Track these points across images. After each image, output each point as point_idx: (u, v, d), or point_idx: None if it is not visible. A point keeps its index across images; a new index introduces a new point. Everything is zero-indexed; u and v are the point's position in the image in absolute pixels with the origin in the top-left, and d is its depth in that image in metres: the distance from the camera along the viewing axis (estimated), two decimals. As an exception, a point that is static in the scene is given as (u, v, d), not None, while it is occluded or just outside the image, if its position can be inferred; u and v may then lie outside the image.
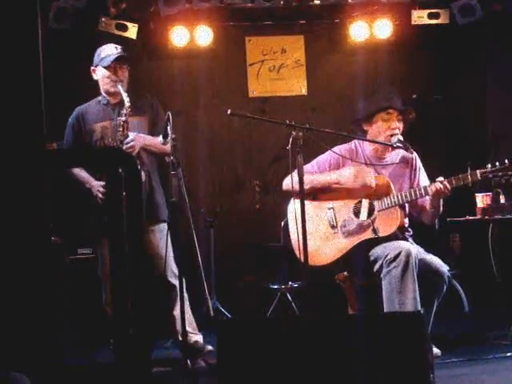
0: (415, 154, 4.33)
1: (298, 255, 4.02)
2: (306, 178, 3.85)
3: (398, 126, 4.23)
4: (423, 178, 4.31)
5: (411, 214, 4.31)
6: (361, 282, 4.25)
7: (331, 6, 6.17)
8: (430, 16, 6.13)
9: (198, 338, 4.31)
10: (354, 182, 4.17)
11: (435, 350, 3.99)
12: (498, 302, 5.18)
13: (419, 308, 3.86)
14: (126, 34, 5.85)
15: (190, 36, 6.16)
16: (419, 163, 4.37)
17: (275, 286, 5.72)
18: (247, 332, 2.95)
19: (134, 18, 5.92)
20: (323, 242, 4.18)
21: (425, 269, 3.96)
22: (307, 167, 4.22)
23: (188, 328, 4.17)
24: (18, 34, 1.94)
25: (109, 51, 4.37)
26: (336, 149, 4.32)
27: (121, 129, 4.21)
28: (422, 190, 4.08)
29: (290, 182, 4.10)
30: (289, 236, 4.30)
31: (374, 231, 4.07)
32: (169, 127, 3.99)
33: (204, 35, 6.18)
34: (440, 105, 6.44)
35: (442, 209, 4.18)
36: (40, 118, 2.04)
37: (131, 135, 4.20)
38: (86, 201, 4.34)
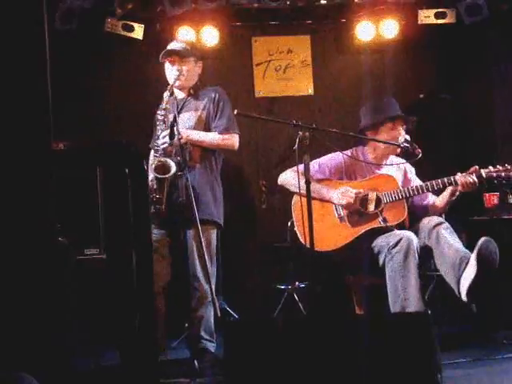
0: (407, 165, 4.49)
1: (302, 240, 4.15)
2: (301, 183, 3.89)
3: (402, 134, 4.31)
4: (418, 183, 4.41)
5: (416, 212, 4.36)
6: (368, 282, 4.27)
7: (337, 6, 6.16)
8: (437, 15, 6.11)
9: (210, 345, 4.25)
10: (342, 202, 4.25)
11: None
12: (505, 302, 5.16)
13: (422, 293, 3.93)
14: (133, 35, 5.85)
15: (196, 36, 6.14)
16: (413, 172, 4.54)
17: (282, 287, 5.71)
18: (254, 333, 2.95)
19: (140, 18, 5.92)
20: (329, 230, 4.24)
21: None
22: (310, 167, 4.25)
23: (202, 332, 4.16)
24: (25, 35, 1.94)
25: (169, 46, 4.42)
26: (342, 152, 4.37)
27: (158, 123, 4.22)
28: (425, 187, 4.19)
29: (287, 178, 4.20)
30: (294, 229, 4.36)
31: (383, 220, 4.14)
32: (175, 128, 3.99)
33: (210, 35, 6.17)
34: (446, 104, 6.42)
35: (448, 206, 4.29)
36: (47, 118, 2.04)
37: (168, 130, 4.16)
38: (92, 200, 4.34)
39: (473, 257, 3.81)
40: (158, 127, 4.22)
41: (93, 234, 4.60)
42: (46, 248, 1.99)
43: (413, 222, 4.28)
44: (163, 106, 4.19)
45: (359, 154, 4.47)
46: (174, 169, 4.06)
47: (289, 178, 4.34)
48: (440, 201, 4.35)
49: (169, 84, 4.32)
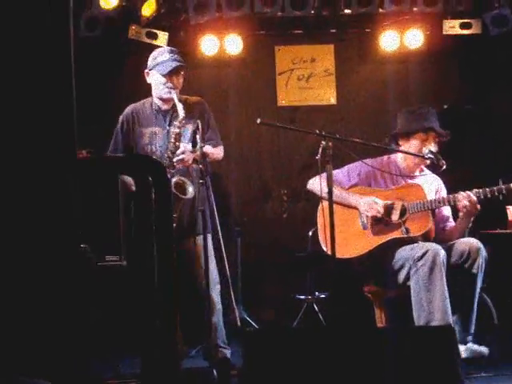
0: (440, 182, 4.44)
1: (324, 247, 4.17)
2: (335, 190, 3.88)
3: (433, 147, 4.24)
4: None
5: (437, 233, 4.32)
6: (390, 295, 4.23)
7: (362, 16, 6.13)
8: (462, 26, 6.06)
9: (227, 352, 4.27)
10: (368, 213, 4.20)
11: (482, 349, 4.00)
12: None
13: (448, 307, 3.88)
14: (156, 42, 5.87)
15: (219, 45, 6.15)
16: (444, 191, 4.44)
17: (302, 297, 5.68)
18: (273, 343, 2.93)
19: (165, 26, 5.94)
20: (352, 237, 4.22)
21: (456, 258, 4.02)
22: (337, 173, 4.24)
23: (218, 341, 4.16)
24: (50, 43, 1.94)
25: (166, 57, 4.29)
26: (367, 161, 4.32)
27: (173, 140, 4.15)
28: (452, 197, 4.13)
29: (315, 184, 4.18)
30: (317, 236, 4.35)
31: (405, 230, 4.10)
32: (198, 136, 3.98)
33: (234, 44, 6.17)
34: (471, 115, 6.37)
35: (469, 225, 4.22)
36: (71, 126, 2.03)
37: (182, 147, 4.14)
38: (114, 207, 4.34)
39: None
40: (170, 143, 4.17)
41: (113, 241, 4.61)
42: (68, 256, 1.98)
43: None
44: (179, 123, 4.15)
45: (390, 163, 4.40)
46: (190, 192, 4.08)
47: (317, 185, 4.28)
48: (458, 226, 4.29)
49: (158, 93, 4.31)
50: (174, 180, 4.10)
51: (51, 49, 1.96)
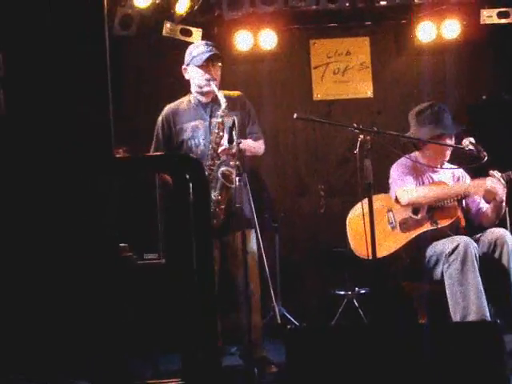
0: (462, 171, 4.44)
1: (353, 248, 4.24)
2: (426, 190, 4.06)
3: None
4: None
5: (470, 219, 4.28)
6: (429, 290, 4.18)
7: (397, 7, 6.05)
8: (500, 15, 5.96)
9: (264, 351, 4.26)
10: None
11: None
12: None
13: (483, 299, 3.83)
14: (191, 39, 5.86)
15: (253, 40, 6.13)
16: (468, 177, 4.43)
17: (341, 292, 5.63)
18: (315, 341, 2.90)
19: (198, 22, 5.93)
20: (381, 238, 4.15)
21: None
22: (402, 180, 4.27)
23: (257, 340, 4.14)
24: (84, 41, 1.93)
25: (201, 49, 4.30)
26: (400, 161, 4.38)
27: (216, 130, 4.13)
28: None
29: (410, 195, 4.17)
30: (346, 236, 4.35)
31: (434, 223, 4.11)
32: (234, 132, 3.96)
33: (268, 39, 6.14)
34: (510, 105, 6.25)
35: (503, 210, 4.17)
36: (108, 125, 2.03)
37: (225, 137, 4.10)
38: (152, 205, 4.35)
39: None
40: (213, 135, 4.15)
41: (152, 239, 4.62)
42: (106, 256, 1.98)
43: (472, 230, 4.22)
44: (221, 112, 4.13)
45: (414, 161, 4.38)
46: (236, 181, 4.03)
47: (415, 194, 4.21)
48: (490, 208, 4.25)
49: (197, 87, 4.31)
50: (221, 170, 4.08)
51: (86, 48, 1.95)
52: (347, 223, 4.37)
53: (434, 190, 4.20)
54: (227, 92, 4.33)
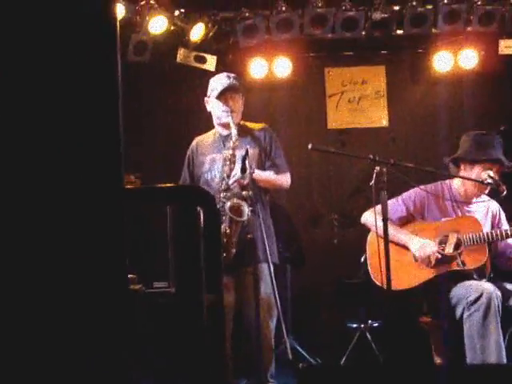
0: (498, 206, 4.27)
1: (373, 277, 4.07)
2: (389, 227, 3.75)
3: (493, 172, 4.07)
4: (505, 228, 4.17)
5: (498, 263, 4.15)
6: (445, 327, 4.07)
7: (414, 36, 5.99)
8: (518, 45, 5.90)
9: None
10: (419, 254, 4.05)
11: None
12: None
13: (503, 354, 3.70)
14: (205, 66, 5.82)
15: (268, 68, 6.09)
16: (503, 215, 4.27)
17: (354, 325, 5.52)
18: (327, 379, 2.81)
19: (213, 49, 5.89)
20: (404, 269, 4.06)
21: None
22: (392, 203, 4.09)
23: (268, 375, 4.06)
24: (97, 68, 1.87)
25: (221, 81, 4.26)
26: (422, 187, 4.17)
27: (228, 162, 4.07)
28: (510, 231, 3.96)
29: (369, 218, 4.04)
30: (366, 267, 4.21)
31: (461, 263, 3.94)
32: (247, 161, 3.90)
33: (283, 67, 6.10)
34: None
35: None
36: (118, 153, 1.96)
37: (237, 168, 4.03)
38: (161, 233, 4.28)
39: None
40: (225, 167, 4.09)
41: (162, 267, 4.55)
42: (116, 289, 1.90)
43: (496, 275, 4.08)
44: (232, 144, 4.06)
45: (445, 189, 4.24)
46: (246, 214, 3.93)
47: (371, 219, 4.08)
48: None
49: (217, 119, 4.29)
50: (228, 204, 4.00)
51: (98, 73, 1.89)
52: (367, 244, 4.23)
53: (380, 227, 3.77)
54: (250, 124, 4.31)
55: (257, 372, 4.08)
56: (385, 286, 3.54)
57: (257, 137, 4.25)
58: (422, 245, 4.03)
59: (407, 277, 4.03)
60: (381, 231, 3.66)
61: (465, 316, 3.78)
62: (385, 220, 3.43)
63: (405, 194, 4.23)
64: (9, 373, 1.69)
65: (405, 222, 4.22)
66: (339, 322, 5.71)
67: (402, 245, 4.11)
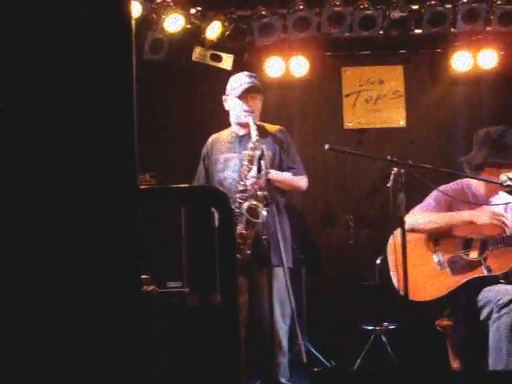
0: None
1: (397, 287, 3.86)
2: (433, 217, 3.68)
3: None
4: None
5: None
6: (463, 331, 3.98)
7: (433, 36, 5.92)
8: (538, 45, 5.83)
9: None
10: (491, 221, 3.90)
11: None
12: None
13: None
14: (221, 65, 5.80)
15: (285, 67, 6.06)
16: None
17: (369, 327, 5.46)
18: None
19: (229, 48, 5.86)
20: (428, 279, 3.93)
21: None
22: (425, 206, 4.00)
23: (282, 379, 4.01)
24: (112, 66, 1.84)
25: (242, 80, 4.23)
26: (443, 188, 4.07)
27: (246, 163, 4.03)
28: None
29: (411, 220, 3.83)
30: (388, 272, 4.08)
31: (487, 269, 3.82)
32: (262, 161, 3.86)
33: (299, 66, 6.06)
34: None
35: None
36: (133, 152, 1.92)
37: (254, 169, 3.98)
38: (175, 232, 4.26)
39: None
40: (243, 167, 4.05)
41: (176, 267, 4.52)
42: (129, 291, 1.86)
43: None
44: (252, 145, 4.02)
45: (465, 188, 4.13)
46: (263, 216, 3.88)
47: (414, 219, 3.95)
48: None
49: (235, 118, 4.25)
50: (246, 204, 3.96)
51: (113, 71, 1.86)
52: (389, 252, 4.03)
53: (434, 217, 3.92)
54: (267, 125, 4.27)
55: (270, 373, 4.04)
56: (410, 297, 3.45)
57: (274, 139, 4.21)
58: (486, 212, 3.91)
59: (432, 287, 3.89)
60: (427, 222, 3.83)
61: (493, 317, 3.66)
62: (401, 222, 3.37)
63: (433, 195, 4.10)
64: (19, 373, 1.67)
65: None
66: (354, 323, 5.65)
67: (424, 248, 3.99)
